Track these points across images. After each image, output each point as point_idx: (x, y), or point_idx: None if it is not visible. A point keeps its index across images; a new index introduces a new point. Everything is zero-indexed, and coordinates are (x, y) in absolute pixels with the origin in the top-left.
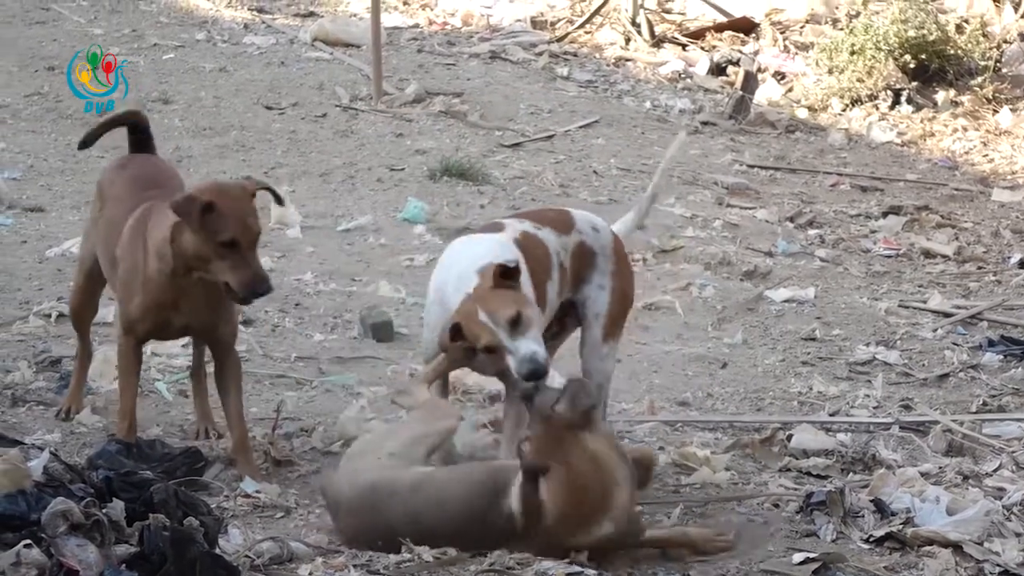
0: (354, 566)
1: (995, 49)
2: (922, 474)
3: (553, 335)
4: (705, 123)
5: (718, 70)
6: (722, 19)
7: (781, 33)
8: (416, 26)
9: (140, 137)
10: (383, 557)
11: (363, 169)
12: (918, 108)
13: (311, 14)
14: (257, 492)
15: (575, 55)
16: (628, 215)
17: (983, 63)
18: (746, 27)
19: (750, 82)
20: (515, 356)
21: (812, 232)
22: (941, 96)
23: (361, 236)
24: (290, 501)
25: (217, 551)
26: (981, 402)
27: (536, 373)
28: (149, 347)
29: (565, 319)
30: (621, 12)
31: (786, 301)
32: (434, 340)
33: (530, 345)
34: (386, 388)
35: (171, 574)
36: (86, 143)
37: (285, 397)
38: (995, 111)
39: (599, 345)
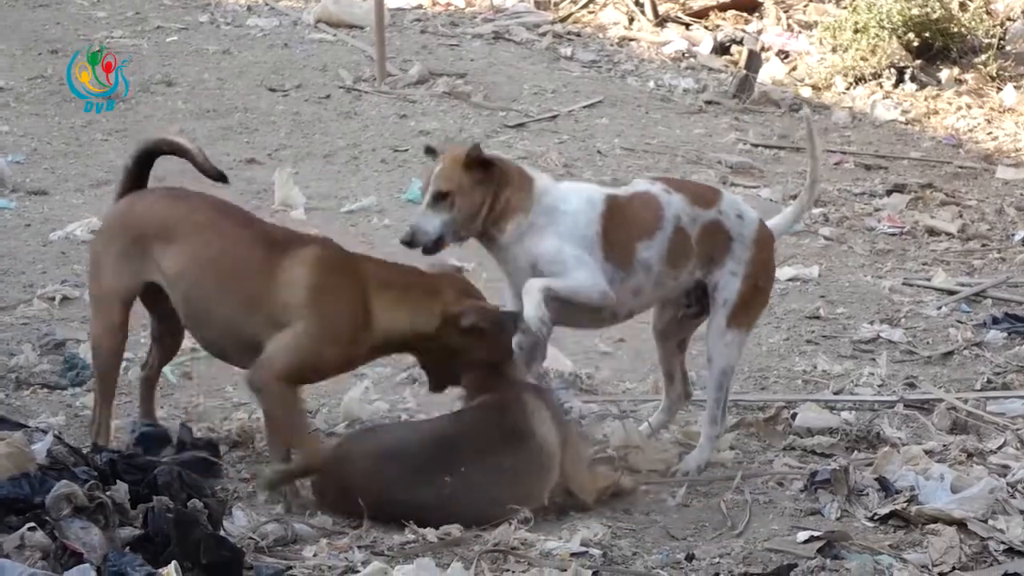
0: (358, 547)
1: (999, 27)
2: (926, 452)
3: (691, 314)
4: (709, 102)
5: (722, 49)
6: None
7: (784, 12)
8: (419, 7)
9: (144, 171)
10: (387, 538)
11: (367, 150)
12: (922, 86)
13: None
14: None
15: (578, 35)
16: (788, 210)
17: (987, 41)
18: (749, 6)
19: (754, 61)
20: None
21: (816, 211)
22: (945, 74)
23: (365, 217)
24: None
25: (221, 533)
26: (985, 380)
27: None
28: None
29: (704, 300)
30: None
31: (790, 280)
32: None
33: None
34: (390, 369)
35: (175, 556)
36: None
37: None
38: (999, 89)
39: (723, 331)
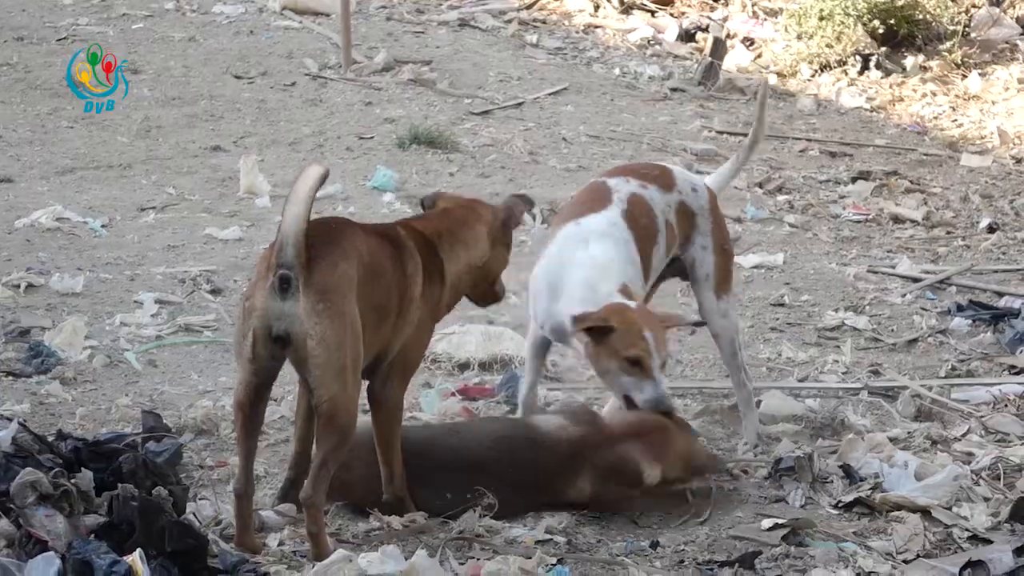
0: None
1: (964, 14)
2: (891, 439)
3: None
4: (674, 89)
5: (687, 36)
6: None
7: None
8: None
9: None
10: (352, 525)
11: (332, 138)
12: (887, 73)
13: None
14: None
15: (544, 22)
16: (723, 167)
17: (952, 28)
18: None
19: (719, 48)
20: (654, 387)
21: (781, 198)
22: (910, 61)
23: (330, 205)
24: (259, 470)
25: (186, 520)
26: (950, 367)
27: (661, 408)
28: (117, 317)
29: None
30: None
31: (755, 267)
32: (543, 329)
33: (664, 385)
34: None
35: (140, 543)
36: None
37: None
38: (964, 76)
39: (716, 304)
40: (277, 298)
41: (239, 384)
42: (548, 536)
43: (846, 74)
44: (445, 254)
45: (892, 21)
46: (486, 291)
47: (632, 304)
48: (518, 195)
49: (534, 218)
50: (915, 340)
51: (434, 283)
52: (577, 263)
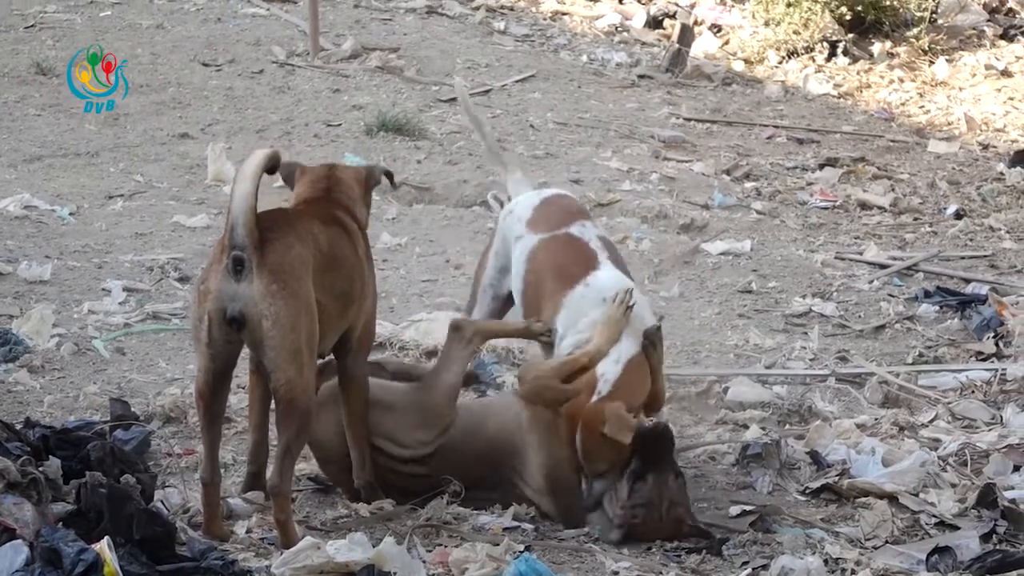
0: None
1: (931, 0)
2: (858, 425)
3: None
4: (642, 76)
5: (655, 23)
6: None
7: None
8: None
9: None
10: (320, 512)
11: (300, 125)
12: (854, 60)
13: None
14: None
15: (512, 9)
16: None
17: (919, 14)
18: None
19: (686, 35)
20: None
21: (748, 185)
22: (877, 48)
23: None
24: (227, 457)
25: (154, 508)
26: (917, 353)
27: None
28: (85, 305)
29: None
30: None
31: (722, 254)
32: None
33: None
34: None
35: (108, 531)
36: None
37: None
38: (931, 62)
39: None
40: (231, 280)
41: (199, 372)
42: (515, 523)
43: (813, 61)
44: (361, 223)
45: (859, 7)
46: None
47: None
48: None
49: (501, 205)
50: (882, 326)
51: (367, 256)
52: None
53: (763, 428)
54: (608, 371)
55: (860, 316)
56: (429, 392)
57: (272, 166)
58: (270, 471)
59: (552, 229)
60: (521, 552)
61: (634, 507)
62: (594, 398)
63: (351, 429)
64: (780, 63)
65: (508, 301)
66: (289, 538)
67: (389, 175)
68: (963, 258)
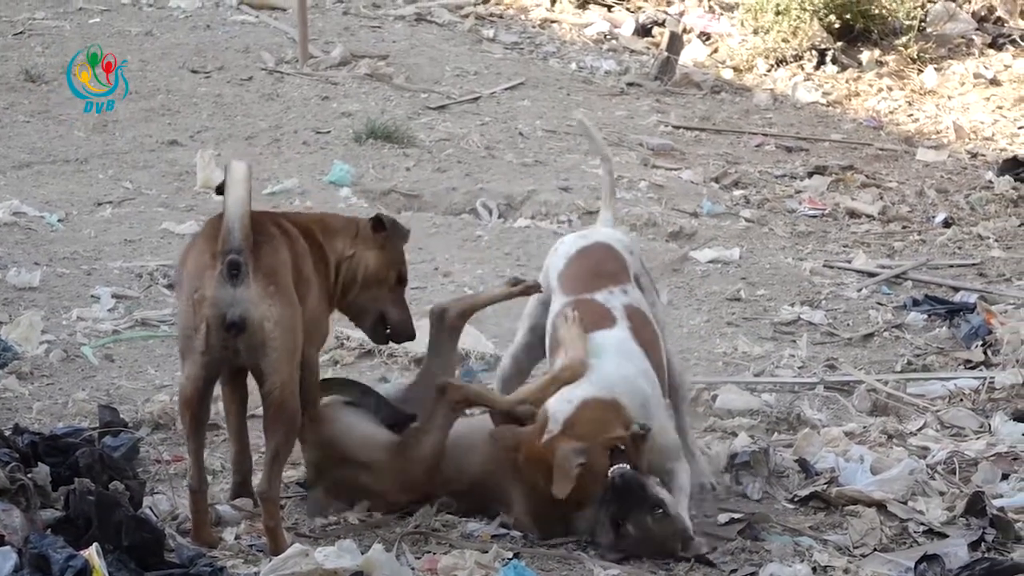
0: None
1: (920, 8)
2: (847, 433)
3: None
4: (630, 84)
5: (643, 31)
6: None
7: None
8: None
9: None
10: (309, 520)
11: (289, 132)
12: (843, 68)
13: None
14: None
15: (501, 17)
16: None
17: (908, 23)
18: None
19: (675, 43)
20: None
21: (737, 193)
22: (866, 56)
23: (287, 199)
24: (215, 464)
25: (142, 514)
26: (905, 361)
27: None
28: (74, 312)
29: None
30: None
31: (711, 262)
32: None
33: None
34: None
35: (97, 538)
36: None
37: None
38: (920, 71)
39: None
40: (227, 285)
41: (187, 381)
42: (504, 530)
43: (802, 69)
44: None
45: (848, 16)
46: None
47: None
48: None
49: (490, 213)
50: (871, 335)
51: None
52: None
53: (752, 436)
54: (559, 410)
55: (849, 324)
56: (410, 460)
57: None
58: (257, 478)
59: (578, 292)
60: (510, 559)
61: (623, 551)
62: (545, 436)
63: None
64: (769, 71)
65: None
66: (278, 544)
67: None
68: (951, 266)
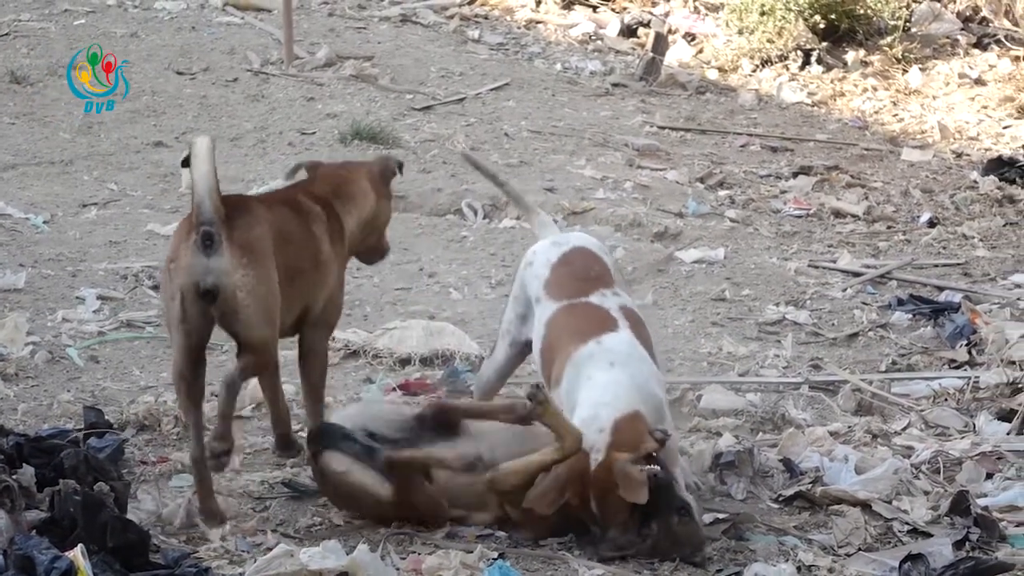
0: (264, 530)
1: (904, 8)
2: (831, 433)
3: None
4: (616, 85)
5: (629, 32)
6: None
7: None
8: None
9: None
10: (293, 520)
11: (274, 133)
12: (828, 68)
13: None
14: None
15: (486, 18)
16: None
17: (893, 23)
18: None
19: (660, 44)
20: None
21: (722, 193)
22: (851, 56)
23: None
24: None
25: (128, 516)
26: (890, 361)
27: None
28: (59, 313)
29: None
30: None
31: (696, 262)
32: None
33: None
34: (295, 352)
35: (82, 539)
36: None
37: None
38: (905, 71)
39: None
40: (201, 255)
41: (177, 353)
42: (489, 531)
43: (787, 69)
44: (341, 211)
45: (833, 16)
46: (374, 246)
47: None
48: (385, 156)
49: (475, 213)
50: (855, 334)
51: (336, 240)
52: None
53: (736, 436)
54: (597, 440)
55: (833, 324)
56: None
57: None
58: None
59: (571, 297)
60: (495, 559)
61: (622, 548)
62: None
63: (308, 399)
64: (754, 71)
65: (526, 348)
66: (226, 430)
67: (400, 165)
68: (936, 266)
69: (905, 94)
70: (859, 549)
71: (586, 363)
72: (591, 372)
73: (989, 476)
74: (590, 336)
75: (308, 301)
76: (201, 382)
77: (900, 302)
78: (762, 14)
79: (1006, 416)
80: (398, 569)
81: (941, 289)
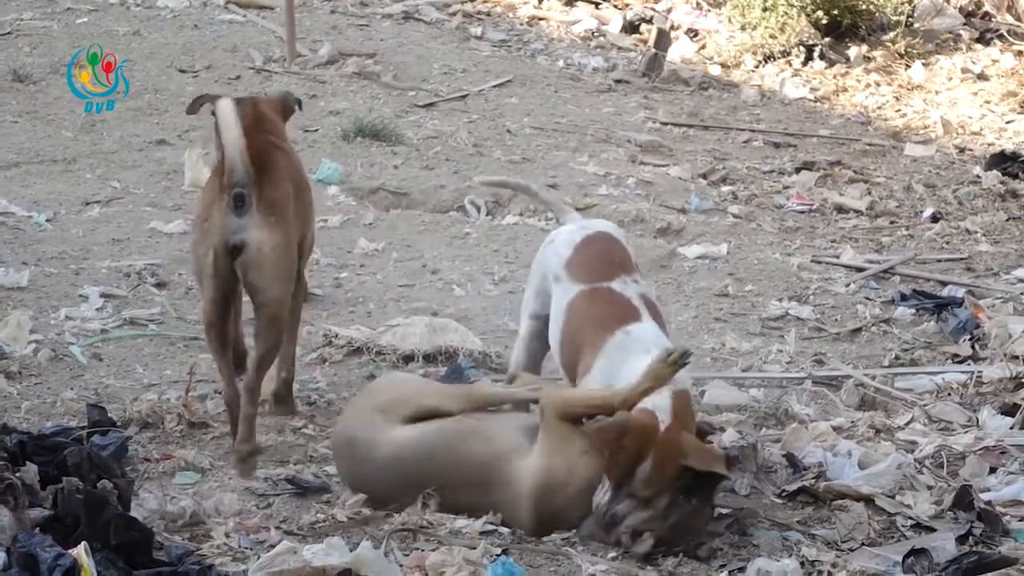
0: (268, 527)
1: (907, 4)
2: (834, 428)
3: None
4: (618, 81)
5: (631, 28)
6: None
7: None
8: None
9: None
10: (297, 517)
11: None
12: (831, 64)
13: None
14: None
15: (488, 15)
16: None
17: (895, 18)
18: None
19: (663, 40)
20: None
21: (725, 188)
22: (853, 51)
23: None
24: (204, 462)
25: (131, 513)
26: (893, 356)
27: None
28: (62, 311)
29: None
30: None
31: (699, 258)
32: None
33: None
34: (301, 348)
35: (85, 537)
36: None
37: (199, 359)
38: (907, 66)
39: None
40: (232, 215)
41: (207, 304)
42: (492, 527)
43: (790, 65)
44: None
45: (836, 12)
46: None
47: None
48: (286, 92)
49: (478, 210)
50: (859, 329)
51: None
52: None
53: (740, 431)
54: (662, 404)
55: (836, 319)
56: None
57: None
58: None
59: (592, 281)
60: (498, 556)
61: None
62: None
63: (289, 333)
64: (756, 67)
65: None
66: (250, 432)
67: (299, 102)
68: (939, 261)
69: (908, 89)
70: (862, 544)
71: (618, 351)
72: (627, 358)
73: (992, 471)
74: (616, 326)
75: (304, 231)
76: (229, 330)
77: (903, 297)
78: (764, 10)
79: (1009, 411)
80: (401, 566)
81: (944, 284)
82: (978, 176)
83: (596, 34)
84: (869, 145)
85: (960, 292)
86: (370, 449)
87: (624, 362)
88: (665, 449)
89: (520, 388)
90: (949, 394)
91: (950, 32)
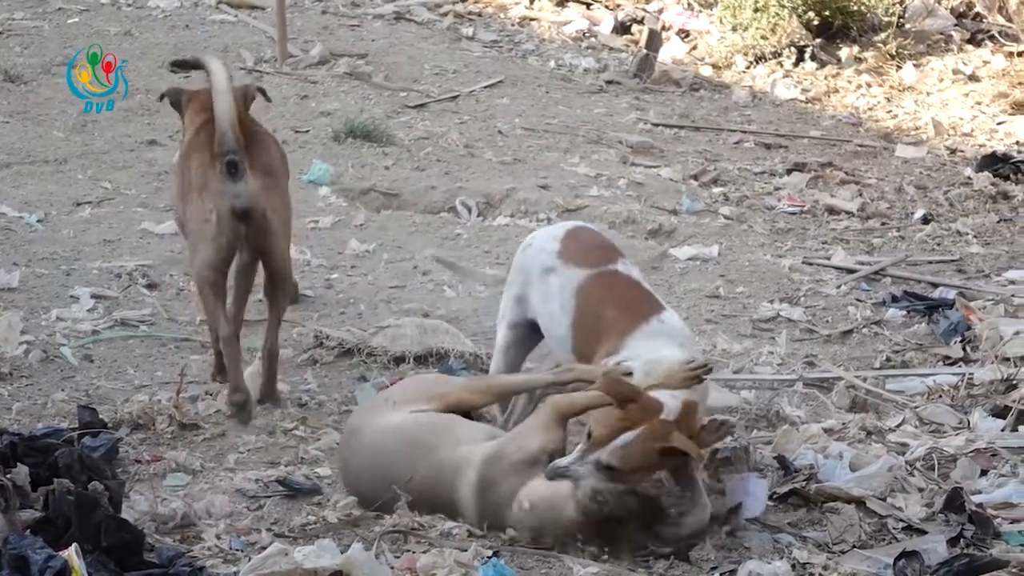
0: (258, 529)
1: (898, 5)
2: (825, 430)
3: None
4: (610, 82)
5: (622, 28)
6: None
7: None
8: None
9: None
10: (287, 519)
11: None
12: (822, 65)
13: None
14: None
15: (480, 15)
16: None
17: (886, 19)
18: None
19: (654, 40)
20: (692, 502)
21: (716, 190)
22: (845, 52)
23: None
24: (196, 464)
25: (122, 515)
26: (884, 358)
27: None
28: (53, 312)
29: None
30: None
31: (690, 259)
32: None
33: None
34: (291, 350)
35: (76, 538)
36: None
37: (190, 360)
38: (898, 67)
39: None
40: (229, 181)
41: (205, 264)
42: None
43: (781, 66)
44: None
45: (827, 12)
46: None
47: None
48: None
49: (469, 211)
50: (850, 331)
51: None
52: None
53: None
54: (672, 406)
55: (828, 321)
56: None
57: None
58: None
59: (593, 265)
60: (489, 558)
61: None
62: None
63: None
64: (748, 68)
65: (527, 330)
66: (274, 392)
67: (262, 91)
68: (930, 263)
69: (899, 90)
70: (853, 546)
71: (653, 339)
72: (661, 348)
73: (983, 473)
74: (651, 312)
75: None
76: (224, 287)
77: (894, 299)
78: (756, 10)
79: (1000, 413)
80: (392, 568)
81: (935, 286)
82: (969, 178)
83: (587, 35)
84: (860, 146)
85: (951, 294)
86: (360, 435)
87: (657, 350)
88: (654, 432)
89: (537, 374)
90: (940, 396)
91: (941, 33)
